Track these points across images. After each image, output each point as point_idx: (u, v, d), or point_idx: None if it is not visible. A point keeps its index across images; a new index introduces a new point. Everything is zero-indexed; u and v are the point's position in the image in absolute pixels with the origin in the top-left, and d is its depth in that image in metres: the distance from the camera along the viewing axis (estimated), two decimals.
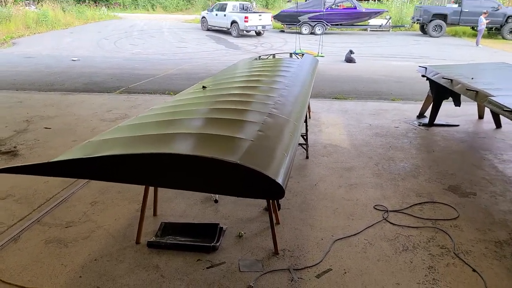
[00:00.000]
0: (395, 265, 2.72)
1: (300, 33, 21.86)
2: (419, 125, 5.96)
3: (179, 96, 3.60)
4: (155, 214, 3.32)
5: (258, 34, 21.65)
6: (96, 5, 30.12)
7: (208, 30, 22.73)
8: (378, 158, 4.69)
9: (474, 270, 2.65)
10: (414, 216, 3.36)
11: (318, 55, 12.14)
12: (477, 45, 17.15)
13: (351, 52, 13.80)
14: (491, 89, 4.07)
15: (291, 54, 6.53)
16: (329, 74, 11.25)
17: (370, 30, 23.53)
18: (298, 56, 6.44)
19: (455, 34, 21.22)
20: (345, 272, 2.65)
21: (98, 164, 1.86)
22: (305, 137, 4.77)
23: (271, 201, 3.17)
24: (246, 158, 1.87)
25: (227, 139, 2.14)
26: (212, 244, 2.85)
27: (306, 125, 4.74)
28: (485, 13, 17.55)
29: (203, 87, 3.66)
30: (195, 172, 1.86)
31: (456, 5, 20.22)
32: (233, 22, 20.79)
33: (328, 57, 14.84)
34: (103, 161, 1.83)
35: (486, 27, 18.67)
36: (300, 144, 4.84)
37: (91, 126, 5.80)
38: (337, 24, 22.46)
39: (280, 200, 3.51)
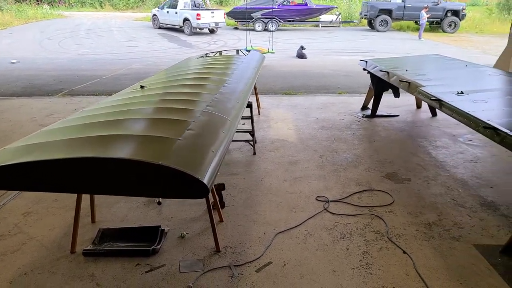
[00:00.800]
0: (332, 253, 2.81)
1: (253, 30, 22.07)
2: (362, 116, 6.20)
3: (114, 96, 3.48)
4: (93, 221, 3.19)
5: (212, 31, 21.48)
6: (38, 4, 28.39)
7: (160, 28, 22.20)
8: (323, 150, 4.82)
9: (404, 252, 2.81)
10: (352, 205, 3.49)
11: (268, 52, 12.24)
12: (420, 38, 18.12)
13: (302, 48, 14.07)
14: (422, 79, 4.31)
15: (237, 51, 6.53)
16: (281, 70, 11.41)
17: (321, 26, 24.12)
18: (244, 53, 6.45)
19: (400, 29, 22.26)
20: (285, 264, 2.70)
21: (9, 172, 1.75)
22: (251, 133, 4.81)
23: (212, 199, 3.17)
24: (170, 158, 1.84)
25: (154, 139, 2.09)
26: (152, 247, 2.79)
27: (252, 122, 4.76)
28: (425, 8, 18.58)
29: (141, 86, 3.57)
30: (116, 175, 1.80)
31: (400, 1, 21.22)
32: (185, 19, 20.45)
33: (280, 53, 15.03)
34: (13, 169, 1.73)
35: (427, 21, 19.79)
36: (247, 141, 4.88)
37: (28, 132, 5.45)
38: (289, 21, 22.77)
39: (224, 197, 3.52)
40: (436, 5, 20.17)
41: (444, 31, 20.38)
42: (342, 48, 15.91)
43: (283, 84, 9.27)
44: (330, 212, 3.38)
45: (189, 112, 2.62)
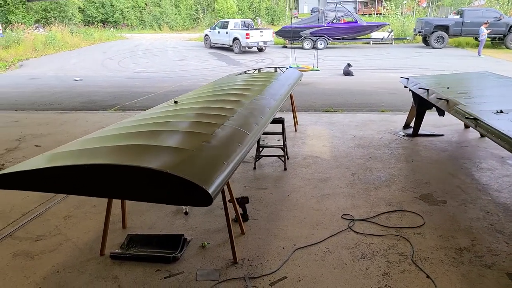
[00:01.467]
0: (350, 273, 2.74)
1: (302, 48, 22.30)
2: (403, 135, 5.97)
3: (149, 110, 3.73)
4: (124, 226, 3.41)
5: (260, 50, 22.04)
6: (104, 27, 31.10)
7: (211, 47, 23.24)
8: (356, 168, 4.72)
9: (428, 277, 2.65)
10: (379, 225, 3.37)
11: (313, 69, 12.27)
12: (479, 55, 17.09)
13: (349, 65, 13.93)
14: (462, 97, 4.10)
15: (275, 68, 6.66)
16: (325, 87, 11.37)
17: (372, 43, 23.69)
18: (283, 71, 6.56)
19: (458, 45, 21.18)
20: (299, 280, 2.68)
21: (39, 176, 1.98)
22: (284, 149, 4.85)
23: (235, 211, 3.25)
24: (179, 167, 1.96)
25: (171, 150, 2.23)
26: (174, 254, 2.91)
27: (284, 138, 4.81)
28: (486, 23, 17.56)
29: (175, 101, 3.79)
30: (129, 182, 1.96)
31: (458, 16, 20.27)
32: (235, 39, 21.23)
33: (327, 71, 15.00)
34: (42, 173, 1.95)
35: (489, 37, 18.64)
36: (278, 156, 4.92)
37: None
38: (338, 38, 22.69)
39: (248, 211, 3.58)
40: (498, 20, 18.97)
41: (507, 47, 19.03)
42: (392, 66, 15.47)
43: (325, 101, 9.23)
44: (354, 231, 3.29)
45: (211, 126, 2.75)
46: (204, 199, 1.87)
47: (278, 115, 7.62)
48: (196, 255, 3.00)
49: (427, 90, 4.79)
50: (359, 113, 7.73)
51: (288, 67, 13.19)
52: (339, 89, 10.86)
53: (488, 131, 2.97)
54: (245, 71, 6.85)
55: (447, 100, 4.07)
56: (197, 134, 2.54)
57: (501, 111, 3.33)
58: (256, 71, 6.75)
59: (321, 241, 3.14)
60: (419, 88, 4.99)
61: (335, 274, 2.73)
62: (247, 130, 2.81)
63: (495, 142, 2.87)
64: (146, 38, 28.46)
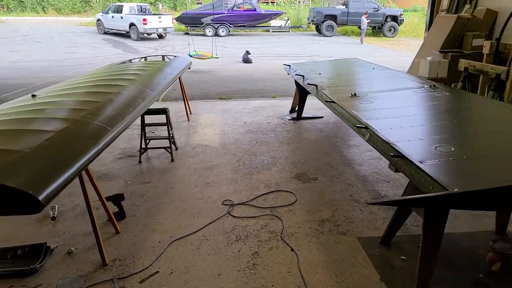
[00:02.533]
0: (223, 257, 2.84)
1: (204, 35, 22.05)
2: (289, 119, 6.35)
3: (1, 106, 3.31)
4: None
5: (160, 36, 21.19)
6: None
7: (105, 33, 21.59)
8: (242, 154, 4.88)
9: (292, 250, 2.89)
10: (256, 207, 3.56)
11: (212, 57, 12.24)
12: (362, 42, 18.93)
13: (247, 53, 14.22)
14: (328, 82, 4.49)
15: (163, 56, 6.46)
16: (223, 75, 11.46)
17: (272, 31, 24.53)
18: (171, 59, 6.40)
19: (345, 34, 23.15)
20: (171, 272, 2.69)
21: None
22: (170, 140, 4.77)
23: (106, 210, 3.10)
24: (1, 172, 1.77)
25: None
26: (31, 266, 2.67)
27: (168, 129, 4.73)
28: (365, 13, 19.46)
29: (32, 95, 3.42)
30: None
31: (344, 7, 22.09)
32: (132, 24, 20.02)
33: (227, 58, 15.09)
34: None
35: (370, 26, 20.73)
36: (165, 148, 4.82)
37: None
38: (239, 26, 22.94)
39: (126, 207, 3.46)
40: (376, 11, 21.19)
41: (385, 36, 21.42)
42: (288, 53, 16.25)
43: (222, 89, 9.31)
44: (232, 216, 3.41)
45: (63, 122, 2.55)
46: (33, 206, 1.72)
47: (170, 105, 7.46)
48: (61, 263, 2.79)
49: (303, 76, 5.14)
50: (252, 100, 7.98)
51: (188, 54, 12.96)
52: (237, 76, 11.05)
53: (341, 114, 3.31)
54: (130, 60, 6.51)
55: (316, 86, 4.42)
56: (39, 132, 2.32)
57: (355, 94, 3.73)
58: (143, 59, 6.46)
59: (199, 230, 3.19)
60: (296, 74, 5.33)
61: (208, 260, 2.81)
62: (108, 125, 2.68)
63: (345, 122, 3.22)
64: (27, 22, 25.17)
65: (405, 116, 2.94)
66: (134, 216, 3.44)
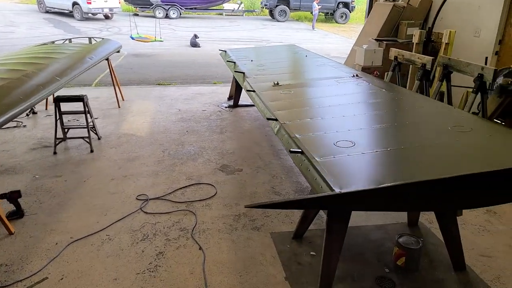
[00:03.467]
0: (124, 259, 2.63)
1: (154, 16, 21.10)
2: (226, 107, 6.15)
3: None
4: None
5: (107, 17, 20.00)
6: None
7: (47, 12, 20.01)
8: (169, 144, 4.63)
9: (200, 248, 2.74)
10: (172, 201, 3.36)
11: (155, 40, 11.67)
12: (313, 28, 19.01)
13: (195, 36, 13.74)
14: (257, 70, 4.33)
15: (90, 39, 5.96)
16: (167, 59, 10.97)
17: (225, 15, 23.97)
18: (96, 40, 5.92)
19: (298, 19, 23.14)
20: (62, 278, 2.44)
21: None
22: (89, 129, 4.41)
23: None
24: None
25: None
26: None
27: (87, 118, 4.36)
28: None
29: None
30: None
31: None
32: (75, 3, 18.71)
33: (175, 42, 14.53)
34: None
35: (322, 12, 20.83)
36: (83, 138, 4.46)
37: None
38: (191, 8, 22.16)
39: (29, 204, 3.13)
40: None
41: (336, 22, 21.66)
42: (239, 37, 15.93)
43: (162, 74, 8.89)
44: (144, 212, 3.19)
45: None
46: None
47: (102, 91, 6.96)
48: None
49: (234, 63, 4.94)
50: (192, 86, 7.67)
51: (130, 37, 12.27)
52: (181, 61, 10.63)
53: (257, 105, 3.17)
54: (53, 41, 5.94)
55: (243, 73, 4.25)
56: None
57: (277, 84, 3.60)
58: (67, 41, 5.92)
59: (104, 229, 2.94)
60: (227, 61, 5.12)
61: (107, 263, 2.58)
62: None
63: (260, 113, 3.09)
64: None
65: (318, 107, 2.85)
66: (34, 214, 3.12)
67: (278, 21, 21.51)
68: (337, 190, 1.66)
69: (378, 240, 2.82)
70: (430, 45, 5.68)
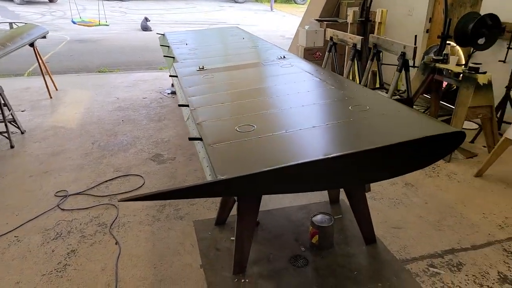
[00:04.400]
0: (31, 261, 2.47)
1: None
2: (169, 93, 5.95)
3: None
4: None
5: (51, 0, 18.79)
6: None
7: None
8: (101, 135, 4.41)
9: (117, 243, 2.63)
10: (94, 196, 3.20)
11: (100, 24, 11.08)
12: (272, 10, 18.80)
13: (146, 19, 13.20)
14: (190, 54, 4.17)
15: (10, 23, 5.52)
16: (113, 44, 10.49)
17: None
18: (17, 25, 5.49)
19: (257, 0, 22.78)
20: None
21: None
22: (12, 122, 4.11)
23: None
24: None
25: None
26: None
27: (2, 111, 4.05)
28: None
29: None
30: None
31: None
32: None
33: (125, 25, 13.93)
34: None
35: None
36: (1, 133, 4.16)
37: None
38: None
39: None
40: None
41: (295, 2, 21.53)
42: (194, 20, 15.49)
43: (105, 60, 8.48)
44: (62, 209, 3.02)
45: None
46: None
47: (35, 80, 6.52)
48: None
49: (168, 47, 4.74)
50: (135, 72, 7.38)
51: (71, 21, 11.56)
52: (128, 46, 10.19)
53: (178, 91, 3.04)
54: None
55: (173, 57, 4.08)
56: None
57: (203, 68, 3.48)
58: None
59: (13, 230, 2.76)
60: (161, 45, 4.91)
61: (11, 266, 2.42)
62: None
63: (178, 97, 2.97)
64: None
65: (233, 91, 2.77)
66: None
67: (236, 2, 21.10)
68: (220, 177, 1.60)
69: (299, 220, 2.83)
70: (368, 24, 5.73)
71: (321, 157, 1.64)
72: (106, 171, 3.61)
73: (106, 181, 3.44)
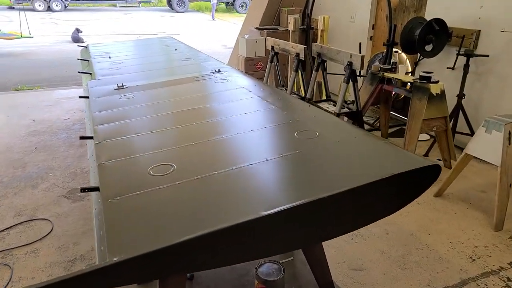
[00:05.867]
0: None
1: (33, 10, 18.60)
2: None
3: None
4: None
5: None
6: None
7: None
8: (6, 168, 3.66)
9: None
10: None
11: (22, 36, 9.95)
12: (213, 19, 18.41)
13: (78, 30, 12.22)
14: (108, 69, 3.59)
15: None
16: (38, 58, 9.46)
17: (119, 6, 22.12)
18: None
19: (199, 9, 22.31)
20: None
21: None
22: None
23: None
24: None
25: None
26: None
27: None
28: None
29: None
30: None
31: None
32: None
33: (55, 38, 12.79)
34: None
35: (222, 2, 20.31)
36: None
37: None
38: None
39: None
40: None
41: (237, 12, 21.35)
42: (130, 31, 14.63)
43: (27, 76, 7.51)
44: None
45: None
46: None
47: None
48: None
49: (88, 61, 4.10)
50: (59, 89, 6.55)
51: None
52: (56, 60, 9.22)
53: (86, 116, 2.47)
54: None
55: (90, 74, 3.47)
56: None
57: (122, 86, 2.93)
58: None
59: None
60: (79, 59, 4.26)
61: None
62: None
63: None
64: None
65: (153, 116, 2.25)
66: None
67: (177, 11, 20.47)
68: (114, 259, 1.08)
69: (243, 268, 2.36)
70: (311, 32, 5.48)
71: (261, 213, 1.19)
72: (5, 216, 2.90)
73: (2, 230, 2.74)
